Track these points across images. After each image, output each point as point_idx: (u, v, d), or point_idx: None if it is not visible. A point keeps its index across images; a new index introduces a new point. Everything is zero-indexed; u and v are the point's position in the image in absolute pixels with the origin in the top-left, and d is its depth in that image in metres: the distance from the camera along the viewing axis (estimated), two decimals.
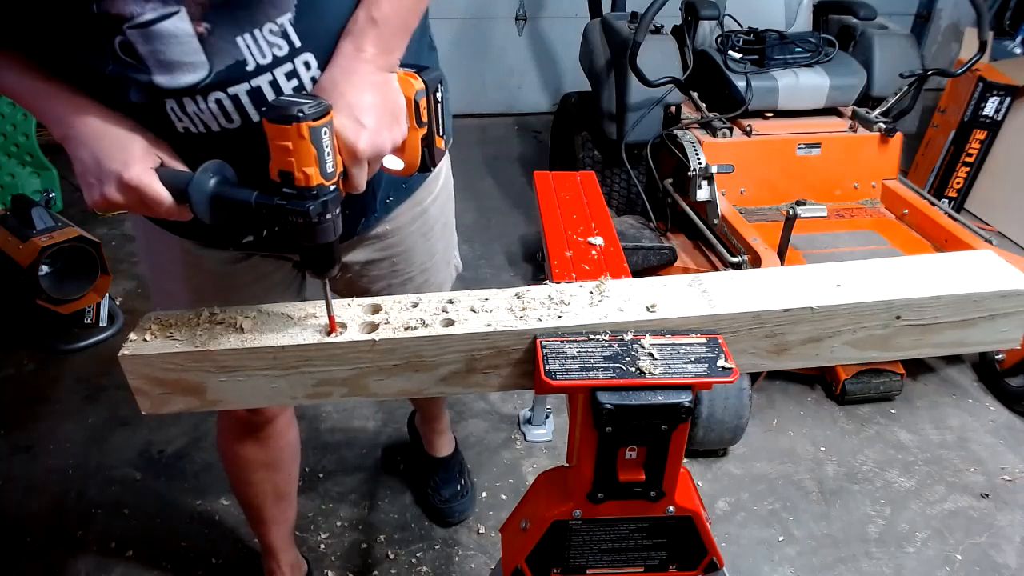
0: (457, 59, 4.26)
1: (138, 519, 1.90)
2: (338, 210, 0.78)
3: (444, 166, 1.26)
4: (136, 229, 1.18)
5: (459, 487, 1.92)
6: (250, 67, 0.81)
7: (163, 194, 0.79)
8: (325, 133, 0.73)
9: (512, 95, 4.53)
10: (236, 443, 1.42)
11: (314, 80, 0.85)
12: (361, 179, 0.82)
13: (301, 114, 0.71)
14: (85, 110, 0.82)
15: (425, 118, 0.89)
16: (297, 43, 0.82)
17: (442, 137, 0.94)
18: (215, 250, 1.09)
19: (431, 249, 1.26)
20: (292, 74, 0.84)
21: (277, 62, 0.82)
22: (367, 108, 0.81)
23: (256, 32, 0.80)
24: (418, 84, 0.88)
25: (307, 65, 0.84)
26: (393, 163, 0.88)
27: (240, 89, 0.82)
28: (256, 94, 0.83)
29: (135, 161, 0.79)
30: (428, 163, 0.92)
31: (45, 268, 2.40)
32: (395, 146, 0.85)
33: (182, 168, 0.83)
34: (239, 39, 0.79)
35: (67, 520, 1.89)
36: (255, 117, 0.84)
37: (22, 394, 2.30)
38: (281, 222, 0.76)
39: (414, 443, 2.03)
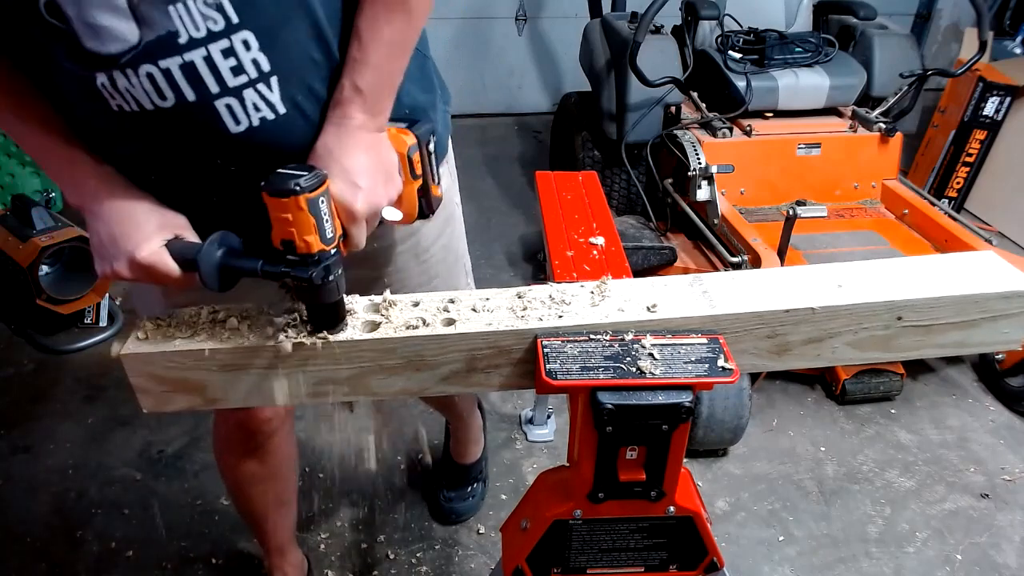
0: (457, 59, 4.26)
1: (138, 519, 1.90)
2: (341, 270, 0.82)
3: (441, 186, 1.23)
4: None
5: (468, 490, 1.91)
6: (182, 39, 0.79)
7: (172, 268, 0.83)
8: (322, 202, 0.77)
9: (512, 95, 4.53)
10: (236, 458, 1.39)
11: (255, 62, 0.82)
12: (361, 238, 0.86)
13: (298, 187, 0.74)
14: (108, 186, 0.86)
15: (419, 171, 0.94)
16: (234, 19, 0.79)
17: (437, 185, 0.99)
18: None
19: (427, 272, 1.21)
20: (229, 51, 0.81)
21: (212, 37, 0.79)
22: (361, 171, 0.85)
23: (189, 3, 0.77)
24: (410, 140, 0.92)
25: (246, 45, 0.81)
26: (392, 215, 0.91)
27: (172, 63, 0.79)
28: (189, 69, 0.80)
29: (147, 241, 0.83)
30: (426, 211, 0.98)
31: (45, 268, 2.39)
32: (391, 202, 0.89)
33: (194, 239, 0.87)
34: (171, 8, 0.77)
35: (67, 520, 1.89)
36: (190, 95, 0.81)
37: (22, 394, 2.30)
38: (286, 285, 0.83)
39: (445, 442, 2.01)
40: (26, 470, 2.03)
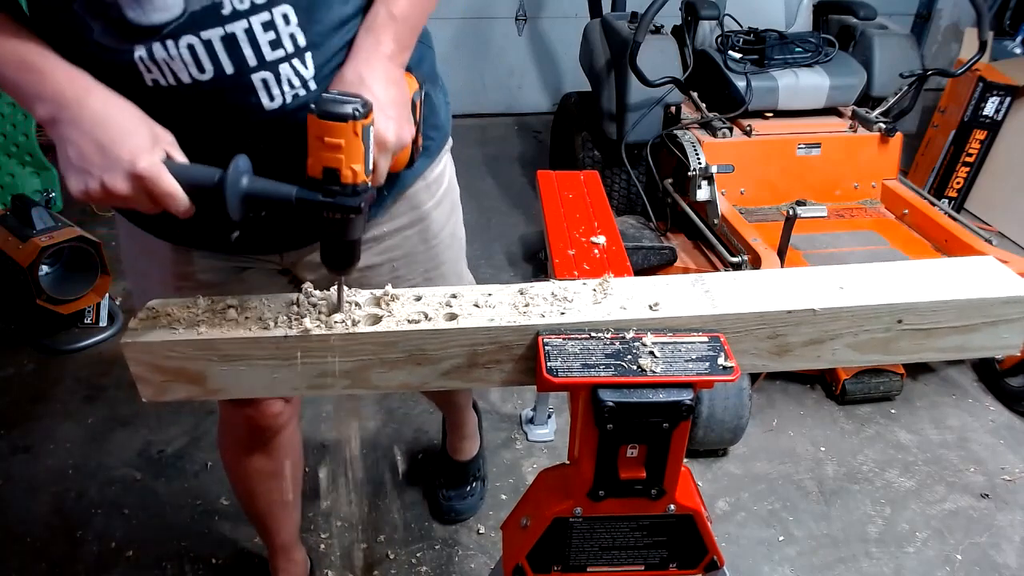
0: (457, 59, 4.25)
1: (138, 519, 1.89)
2: (368, 209, 0.79)
3: (448, 172, 1.22)
4: (120, 235, 1.12)
5: (467, 489, 1.91)
6: (226, 11, 0.79)
7: (176, 188, 0.75)
8: (371, 131, 0.75)
9: (512, 95, 4.53)
10: (243, 454, 1.38)
11: (292, 37, 0.83)
12: (384, 172, 0.84)
13: (357, 112, 0.72)
14: (86, 90, 0.76)
15: (418, 118, 0.93)
16: None
17: (421, 135, 0.98)
18: (206, 258, 1.06)
19: (436, 258, 1.21)
20: (269, 25, 0.81)
21: (255, 9, 0.80)
22: (391, 103, 0.83)
23: None
24: (414, 84, 0.92)
25: (286, 19, 0.82)
26: None
27: (214, 34, 0.79)
28: (230, 41, 0.80)
29: (145, 151, 0.74)
30: (414, 160, 0.96)
31: (45, 268, 2.40)
32: (411, 140, 0.88)
33: (184, 160, 0.79)
34: None
35: (67, 520, 1.88)
36: (228, 68, 0.81)
37: (22, 394, 2.30)
38: (310, 218, 0.77)
39: (442, 440, 2.01)
40: (26, 470, 2.03)
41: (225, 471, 1.47)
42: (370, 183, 0.78)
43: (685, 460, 0.85)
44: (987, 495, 2.00)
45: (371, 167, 0.77)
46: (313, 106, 0.73)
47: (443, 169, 1.19)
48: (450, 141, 1.20)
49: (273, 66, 0.83)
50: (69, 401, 2.27)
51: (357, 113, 0.72)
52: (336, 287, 0.86)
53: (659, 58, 2.56)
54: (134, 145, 0.74)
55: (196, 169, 0.78)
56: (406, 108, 0.87)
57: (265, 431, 1.33)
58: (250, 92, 0.83)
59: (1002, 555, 1.84)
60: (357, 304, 0.87)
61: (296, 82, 0.85)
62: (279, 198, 0.77)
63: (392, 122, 0.82)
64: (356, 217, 0.77)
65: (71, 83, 0.76)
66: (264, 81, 0.83)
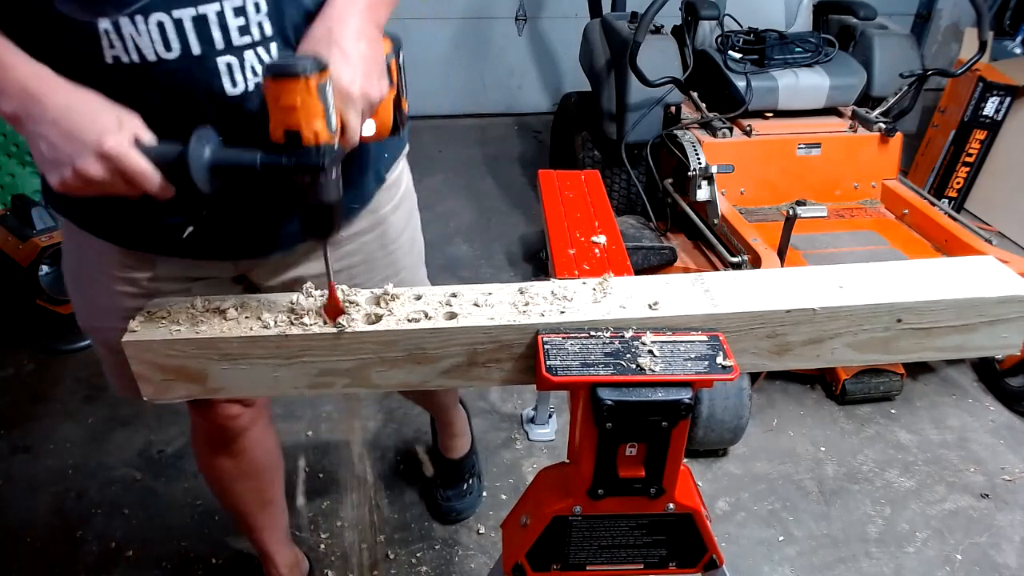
0: (457, 59, 4.26)
1: (138, 519, 1.89)
2: (339, 169, 0.78)
3: (405, 176, 1.20)
4: (64, 246, 1.10)
5: (464, 487, 1.91)
6: None
7: (146, 166, 0.75)
8: (328, 88, 0.74)
9: (512, 95, 4.53)
10: (210, 456, 1.39)
11: (260, 25, 0.84)
12: (356, 131, 0.82)
13: (307, 68, 0.71)
14: (50, 84, 0.76)
15: (395, 79, 0.91)
16: None
17: (406, 100, 0.95)
18: (157, 265, 1.03)
19: (395, 264, 1.19)
20: (240, 11, 0.82)
21: None
22: (360, 58, 0.82)
23: None
24: (387, 46, 0.90)
25: (257, 7, 0.82)
26: (368, 128, 0.88)
27: (186, 13, 0.79)
28: (201, 22, 0.80)
29: (111, 132, 0.74)
30: (399, 125, 0.93)
31: (45, 268, 2.39)
32: (381, 98, 0.85)
33: (152, 141, 0.78)
34: None
35: (67, 520, 1.89)
36: (195, 49, 0.81)
37: (22, 394, 2.30)
38: (281, 184, 0.77)
39: (433, 440, 2.01)
40: (26, 470, 2.03)
41: (200, 471, 1.47)
42: (337, 142, 0.77)
43: (685, 460, 0.85)
44: (987, 495, 2.00)
45: (335, 125, 0.76)
46: (264, 67, 0.73)
47: (400, 173, 1.17)
48: (407, 147, 1.19)
49: (239, 52, 0.83)
50: (69, 401, 2.27)
51: (307, 68, 0.71)
52: (323, 256, 0.84)
53: (659, 58, 2.56)
54: (100, 128, 0.74)
55: (162, 146, 0.77)
56: (378, 64, 0.85)
57: (225, 431, 1.32)
58: (214, 76, 0.83)
59: (1002, 555, 1.84)
60: (356, 304, 0.87)
61: (259, 70, 0.85)
62: (244, 164, 0.76)
63: (359, 75, 0.80)
64: (325, 178, 0.76)
65: (36, 79, 0.76)
66: (228, 66, 0.83)
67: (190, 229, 0.95)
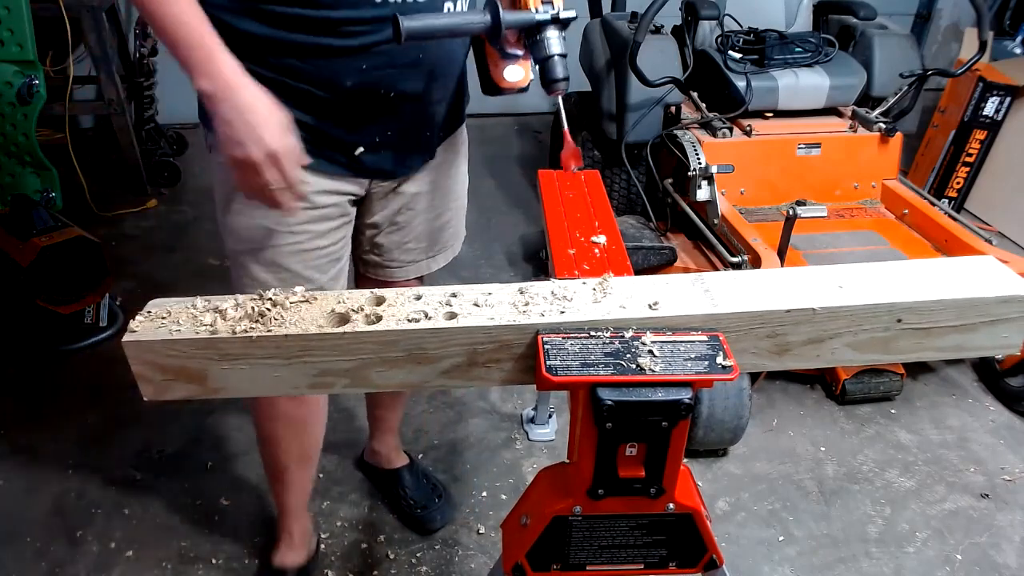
0: None
1: (138, 519, 1.89)
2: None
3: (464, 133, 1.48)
4: (220, 176, 1.23)
5: (430, 489, 1.91)
6: None
7: (294, 169, 1.02)
8: None
9: (512, 95, 4.52)
10: (275, 397, 1.42)
11: None
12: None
13: None
14: (241, 78, 0.99)
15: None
16: None
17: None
18: (321, 178, 1.22)
19: (460, 191, 1.48)
20: None
21: None
22: None
23: None
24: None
25: None
26: (517, 74, 1.18)
27: None
28: None
29: (286, 133, 1.00)
30: (528, 86, 1.26)
31: (45, 268, 2.40)
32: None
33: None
34: None
35: (67, 520, 1.89)
36: None
37: (22, 394, 2.30)
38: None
39: (371, 475, 2.01)
40: (26, 470, 2.03)
41: (252, 416, 1.52)
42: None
43: (685, 460, 0.85)
44: (987, 495, 2.00)
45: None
46: None
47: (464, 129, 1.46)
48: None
49: None
50: (69, 401, 2.27)
51: None
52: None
53: (659, 58, 2.56)
54: (275, 126, 1.00)
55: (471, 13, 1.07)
56: None
57: None
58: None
59: (1002, 555, 1.84)
60: (355, 305, 0.87)
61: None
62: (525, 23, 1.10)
63: None
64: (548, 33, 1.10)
65: (232, 70, 0.98)
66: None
67: (360, 149, 1.21)
